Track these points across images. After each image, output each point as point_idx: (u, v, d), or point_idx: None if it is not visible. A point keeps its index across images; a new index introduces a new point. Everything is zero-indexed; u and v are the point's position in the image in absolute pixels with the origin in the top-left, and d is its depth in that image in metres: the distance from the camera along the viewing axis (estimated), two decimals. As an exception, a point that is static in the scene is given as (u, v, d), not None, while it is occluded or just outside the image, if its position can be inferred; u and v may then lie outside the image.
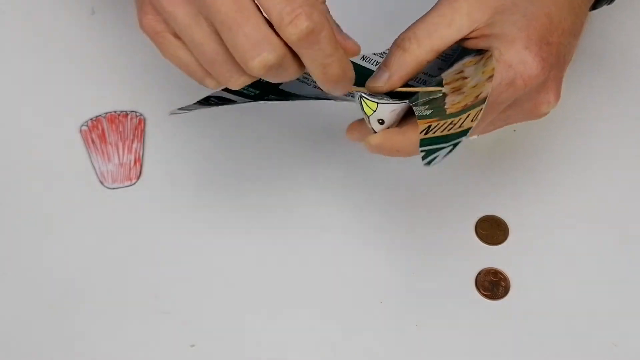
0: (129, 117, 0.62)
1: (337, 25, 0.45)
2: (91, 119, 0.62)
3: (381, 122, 0.48)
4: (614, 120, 0.62)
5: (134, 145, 0.61)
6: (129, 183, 0.60)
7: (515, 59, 0.47)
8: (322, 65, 0.43)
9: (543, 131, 0.62)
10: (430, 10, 0.49)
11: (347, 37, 0.45)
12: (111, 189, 0.60)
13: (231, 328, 0.54)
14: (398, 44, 0.49)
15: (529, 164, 0.61)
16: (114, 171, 0.60)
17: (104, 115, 0.62)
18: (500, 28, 0.47)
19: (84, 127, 0.62)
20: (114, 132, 0.62)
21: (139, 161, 0.60)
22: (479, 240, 0.58)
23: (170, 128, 0.62)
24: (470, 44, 0.49)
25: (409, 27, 0.49)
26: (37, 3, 0.69)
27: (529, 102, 0.50)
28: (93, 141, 0.61)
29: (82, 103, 0.63)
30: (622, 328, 0.54)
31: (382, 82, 0.49)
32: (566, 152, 0.61)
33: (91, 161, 0.61)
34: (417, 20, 0.49)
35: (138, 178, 0.60)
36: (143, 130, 0.62)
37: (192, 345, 0.54)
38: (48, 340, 0.54)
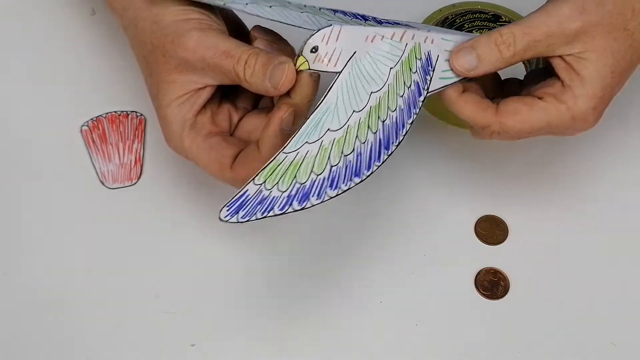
0: (129, 117, 0.63)
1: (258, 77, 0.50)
2: (92, 119, 0.62)
3: (314, 49, 0.49)
4: (615, 118, 0.62)
5: (135, 146, 0.61)
6: (129, 183, 0.60)
7: (582, 115, 0.50)
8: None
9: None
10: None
11: (265, 87, 0.50)
12: (112, 189, 0.60)
13: (231, 328, 0.54)
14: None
15: (529, 164, 0.61)
16: (115, 171, 0.60)
17: (104, 115, 0.62)
18: (588, 72, 0.49)
19: (85, 127, 0.62)
20: (114, 132, 0.62)
21: (140, 161, 0.61)
22: (478, 240, 0.58)
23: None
24: (556, 64, 0.50)
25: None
26: (37, 3, 0.69)
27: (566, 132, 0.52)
28: (94, 141, 0.61)
29: (83, 103, 0.63)
30: (622, 328, 0.54)
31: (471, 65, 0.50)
32: (566, 152, 0.61)
33: (92, 161, 0.61)
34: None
35: (139, 178, 0.60)
36: (144, 131, 0.62)
37: (192, 345, 0.54)
38: (48, 340, 0.54)
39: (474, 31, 0.67)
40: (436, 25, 0.65)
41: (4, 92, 0.64)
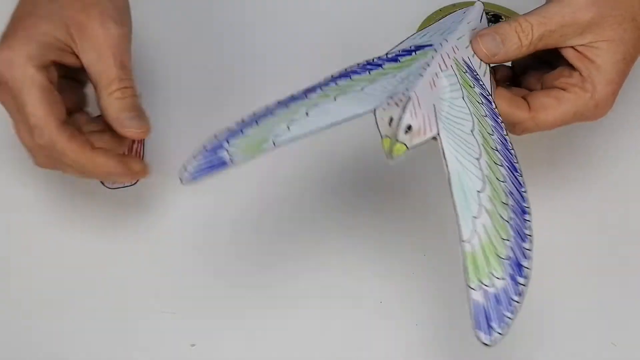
0: (129, 117, 0.62)
1: (128, 112, 0.52)
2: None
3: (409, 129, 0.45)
4: (615, 118, 0.62)
5: (135, 146, 0.61)
6: (129, 183, 0.60)
7: (603, 102, 0.51)
8: (80, 171, 0.52)
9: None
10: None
11: (126, 127, 0.52)
12: (112, 188, 0.59)
13: (231, 328, 0.54)
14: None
15: (529, 164, 0.61)
16: (115, 171, 0.60)
17: (104, 115, 0.62)
18: (602, 60, 0.51)
19: (85, 127, 0.62)
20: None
21: (140, 161, 0.60)
22: (478, 240, 0.58)
23: (171, 128, 0.62)
24: (568, 54, 0.52)
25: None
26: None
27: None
28: (93, 141, 0.61)
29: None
30: (621, 328, 0.54)
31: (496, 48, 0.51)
32: (566, 152, 0.61)
33: (92, 161, 0.60)
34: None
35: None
36: (143, 131, 0.62)
37: (192, 345, 0.54)
38: (47, 340, 0.54)
39: (474, 31, 0.67)
40: (436, 25, 0.65)
41: (4, 91, 0.64)
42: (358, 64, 0.49)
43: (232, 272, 0.57)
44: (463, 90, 0.49)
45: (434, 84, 0.48)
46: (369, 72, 0.49)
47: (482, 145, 0.47)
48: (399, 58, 0.50)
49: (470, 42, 0.51)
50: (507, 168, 0.47)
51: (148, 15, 0.68)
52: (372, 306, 0.55)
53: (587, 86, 0.51)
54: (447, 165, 0.45)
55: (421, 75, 0.47)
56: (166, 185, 0.60)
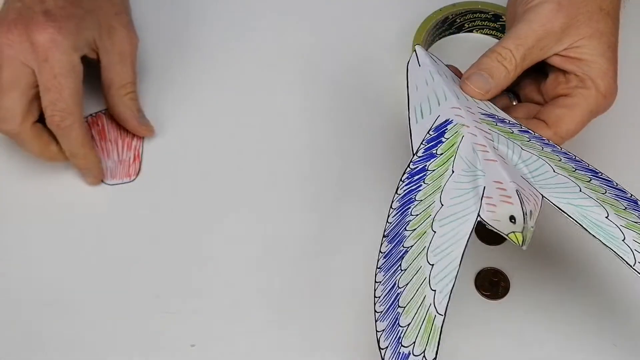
0: (128, 113, 0.62)
1: (139, 112, 0.60)
2: (91, 115, 0.62)
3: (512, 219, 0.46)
4: (615, 118, 0.63)
5: (134, 142, 0.61)
6: (128, 180, 0.59)
7: (609, 91, 0.53)
8: (71, 154, 0.57)
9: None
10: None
11: (143, 124, 0.60)
12: (110, 185, 0.59)
13: (231, 328, 0.54)
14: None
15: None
16: (113, 167, 0.60)
17: (103, 111, 0.62)
18: (589, 55, 0.52)
19: (83, 123, 0.61)
20: (113, 129, 0.61)
21: (138, 158, 0.60)
22: (478, 240, 0.58)
23: (170, 125, 0.62)
24: (555, 61, 0.53)
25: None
26: None
27: None
28: (92, 137, 0.61)
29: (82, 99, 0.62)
30: (622, 328, 0.54)
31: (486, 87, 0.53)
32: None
33: (90, 158, 0.60)
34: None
35: (137, 175, 0.60)
36: (143, 127, 0.61)
37: (192, 345, 0.53)
38: (47, 340, 0.53)
39: (474, 31, 0.67)
40: (436, 24, 0.65)
41: None
42: (402, 180, 0.49)
43: (231, 272, 0.56)
44: (515, 142, 0.50)
45: (502, 157, 0.49)
46: (424, 182, 0.48)
47: (569, 176, 0.48)
48: (433, 150, 0.49)
49: (460, 87, 0.52)
50: (594, 177, 0.49)
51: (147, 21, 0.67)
52: (372, 306, 0.55)
53: (588, 84, 0.52)
54: (569, 217, 0.47)
55: (492, 160, 0.48)
56: (165, 182, 0.60)
